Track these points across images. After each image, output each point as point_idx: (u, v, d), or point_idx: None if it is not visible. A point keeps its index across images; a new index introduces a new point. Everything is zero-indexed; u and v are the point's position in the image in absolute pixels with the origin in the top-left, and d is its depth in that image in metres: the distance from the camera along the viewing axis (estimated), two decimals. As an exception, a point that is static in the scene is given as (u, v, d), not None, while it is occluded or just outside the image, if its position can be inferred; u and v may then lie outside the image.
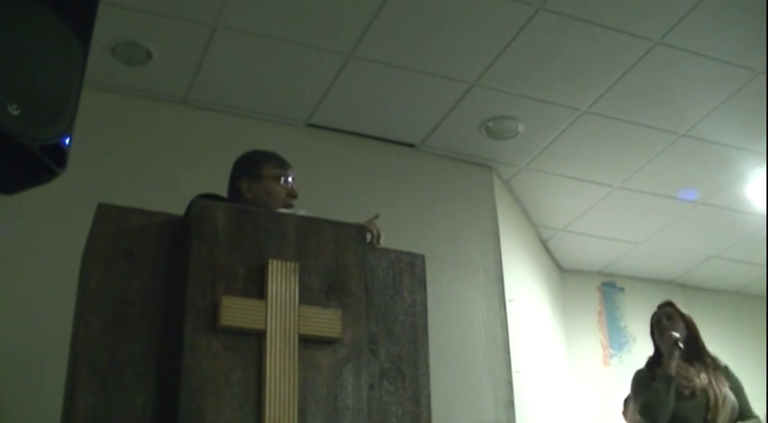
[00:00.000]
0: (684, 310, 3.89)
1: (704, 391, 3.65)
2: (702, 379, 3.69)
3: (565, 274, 6.08)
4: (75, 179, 2.68)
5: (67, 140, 2.00)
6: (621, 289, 6.18)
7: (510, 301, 4.71)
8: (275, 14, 3.86)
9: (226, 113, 4.45)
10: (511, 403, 4.41)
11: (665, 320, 3.88)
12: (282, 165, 2.94)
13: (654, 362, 3.88)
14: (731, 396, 3.68)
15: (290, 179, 2.91)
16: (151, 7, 3.78)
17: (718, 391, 3.65)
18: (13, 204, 2.75)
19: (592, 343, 5.91)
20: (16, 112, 1.87)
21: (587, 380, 5.59)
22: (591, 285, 6.12)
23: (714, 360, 3.82)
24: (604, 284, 6.17)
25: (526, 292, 5.13)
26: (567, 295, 5.99)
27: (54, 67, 2.01)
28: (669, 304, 3.97)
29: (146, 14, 3.81)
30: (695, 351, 3.80)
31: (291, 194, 2.90)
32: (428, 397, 2.13)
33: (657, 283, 6.25)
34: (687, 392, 3.64)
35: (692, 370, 3.71)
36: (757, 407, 4.07)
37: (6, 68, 1.89)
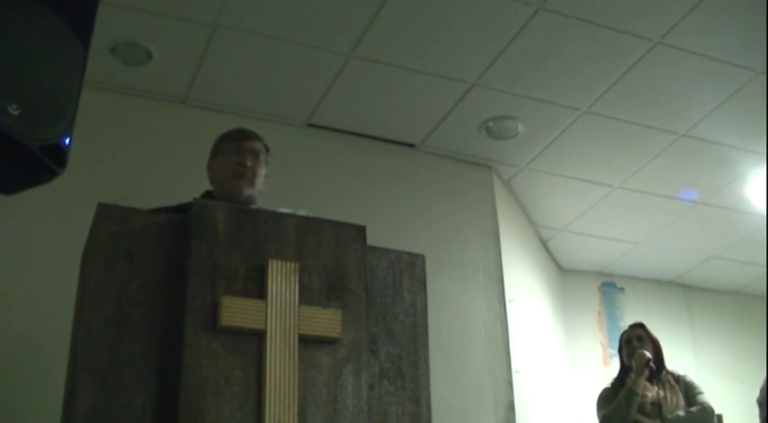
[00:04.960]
0: (654, 334, 4.10)
1: (657, 405, 3.88)
2: (656, 394, 3.94)
3: (565, 274, 6.08)
4: (75, 179, 2.68)
5: (67, 140, 1.99)
6: (621, 289, 6.17)
7: (510, 301, 4.71)
8: (275, 14, 3.86)
9: (226, 113, 4.44)
10: (511, 403, 4.41)
11: (635, 341, 4.06)
12: (240, 136, 2.83)
13: (619, 380, 4.05)
14: (682, 404, 3.93)
15: (247, 148, 2.79)
16: (151, 7, 3.78)
17: (671, 403, 3.90)
18: (13, 204, 2.74)
19: (592, 343, 5.91)
20: (16, 113, 1.86)
21: (587, 380, 5.59)
22: (591, 285, 6.12)
23: (671, 374, 4.08)
24: (604, 284, 6.17)
25: (526, 292, 5.13)
26: (567, 295, 5.99)
27: (54, 67, 2.00)
28: (641, 326, 4.17)
29: (146, 14, 3.81)
30: (657, 371, 4.03)
31: (240, 162, 2.75)
32: (428, 397, 2.13)
33: (657, 283, 6.24)
34: (646, 409, 3.89)
35: (647, 385, 3.94)
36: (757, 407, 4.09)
37: (6, 68, 1.88)
